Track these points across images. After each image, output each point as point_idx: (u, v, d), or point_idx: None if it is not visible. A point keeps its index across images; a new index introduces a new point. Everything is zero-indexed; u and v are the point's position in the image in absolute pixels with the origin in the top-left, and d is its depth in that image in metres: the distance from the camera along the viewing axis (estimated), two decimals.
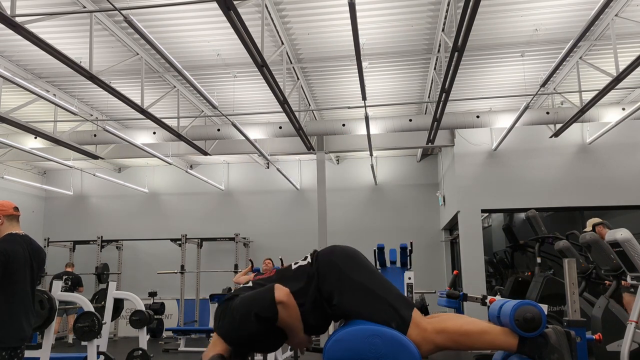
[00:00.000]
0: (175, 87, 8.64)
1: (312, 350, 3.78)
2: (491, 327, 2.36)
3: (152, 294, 11.03)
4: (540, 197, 9.83)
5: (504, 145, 10.04)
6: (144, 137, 9.60)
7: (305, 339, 2.40)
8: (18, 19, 5.13)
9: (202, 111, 9.67)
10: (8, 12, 5.00)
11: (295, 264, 2.50)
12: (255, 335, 2.29)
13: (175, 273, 12.42)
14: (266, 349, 2.53)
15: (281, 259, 8.64)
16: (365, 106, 7.95)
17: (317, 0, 6.28)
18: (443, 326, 2.28)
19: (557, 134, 9.25)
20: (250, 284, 2.46)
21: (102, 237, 13.03)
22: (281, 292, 2.26)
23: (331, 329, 11.12)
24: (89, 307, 5.64)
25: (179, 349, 9.26)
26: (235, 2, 4.91)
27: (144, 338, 6.92)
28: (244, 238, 13.13)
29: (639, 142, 9.98)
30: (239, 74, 8.34)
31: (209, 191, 13.71)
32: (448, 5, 6.37)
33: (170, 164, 11.09)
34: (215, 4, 4.91)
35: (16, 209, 3.57)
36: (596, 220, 6.55)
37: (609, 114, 8.66)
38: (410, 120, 9.06)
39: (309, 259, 2.47)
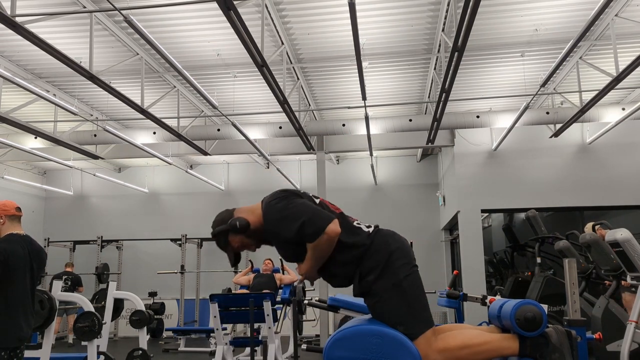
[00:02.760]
0: (175, 87, 8.64)
1: (312, 350, 3.77)
2: (492, 336, 2.36)
3: (152, 294, 11.02)
4: (540, 197, 9.83)
5: (504, 145, 10.04)
6: (144, 137, 9.60)
7: (314, 274, 2.46)
8: (18, 19, 5.12)
9: (202, 111, 9.66)
10: (8, 12, 5.00)
11: (359, 223, 2.51)
12: (287, 236, 2.36)
13: (175, 273, 12.41)
14: (283, 254, 2.56)
15: (281, 260, 8.64)
16: (365, 106, 7.95)
17: (317, 0, 6.28)
18: (445, 344, 2.30)
19: (557, 134, 9.25)
20: (318, 200, 2.51)
21: (102, 237, 13.02)
22: (334, 227, 2.31)
23: (331, 329, 11.13)
24: (89, 307, 5.63)
25: (179, 349, 9.24)
26: (235, 2, 4.90)
27: (144, 338, 6.91)
28: None
29: (639, 142, 9.98)
30: (239, 74, 8.34)
31: (209, 191, 13.71)
32: (448, 5, 6.37)
33: (170, 164, 11.09)
34: (215, 4, 4.91)
35: (18, 209, 3.57)
36: (592, 223, 6.55)
37: (609, 114, 8.66)
38: (410, 120, 9.05)
39: (371, 229, 2.48)
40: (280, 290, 7.68)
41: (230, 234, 2.48)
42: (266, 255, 8.62)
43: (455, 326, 2.51)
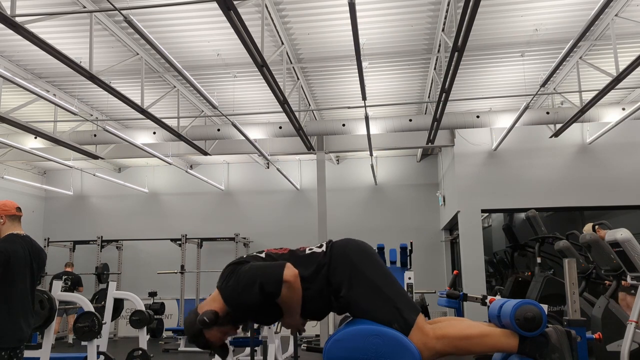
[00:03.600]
0: (175, 87, 8.64)
1: (312, 350, 3.78)
2: (491, 330, 2.36)
3: (152, 294, 11.03)
4: (540, 197, 9.83)
5: (504, 145, 10.04)
6: (144, 137, 9.60)
7: (299, 322, 2.43)
8: (18, 19, 5.13)
9: (202, 111, 9.67)
10: (8, 12, 5.00)
11: (310, 249, 2.50)
12: (254, 305, 2.32)
13: (175, 273, 12.41)
14: (261, 321, 2.56)
15: None
16: (365, 106, 7.95)
17: (317, 0, 6.29)
18: (444, 332, 2.29)
19: (557, 134, 9.25)
20: (263, 254, 2.48)
21: (102, 237, 13.02)
22: (290, 272, 2.28)
23: (331, 329, 11.13)
24: (89, 307, 5.63)
25: (179, 349, 9.25)
26: (235, 2, 4.90)
27: (144, 338, 6.91)
28: (244, 238, 13.13)
29: (639, 142, 9.98)
30: (239, 74, 8.34)
31: (209, 191, 13.71)
32: (448, 5, 6.37)
33: (170, 164, 11.09)
34: (215, 4, 4.91)
35: (19, 209, 3.57)
36: (592, 223, 6.54)
37: (609, 114, 8.66)
38: (410, 120, 9.05)
39: (323, 248, 2.47)
40: None
41: (205, 331, 2.41)
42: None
43: (453, 318, 2.51)
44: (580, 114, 8.07)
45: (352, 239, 2.49)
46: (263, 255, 2.48)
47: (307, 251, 2.48)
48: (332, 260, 2.38)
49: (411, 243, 7.11)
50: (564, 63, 7.27)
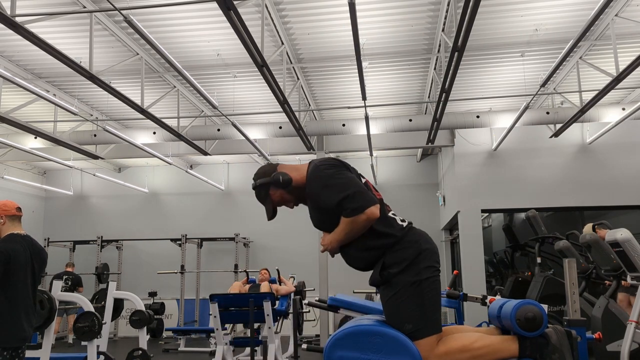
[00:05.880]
0: (175, 87, 8.64)
1: (312, 350, 3.77)
2: (491, 339, 2.36)
3: (152, 294, 11.03)
4: (540, 197, 9.83)
5: (504, 145, 10.04)
6: (144, 137, 9.60)
7: (337, 248, 2.47)
8: (18, 19, 5.12)
9: (202, 111, 9.67)
10: (8, 12, 5.00)
11: (393, 214, 2.53)
12: (325, 202, 2.38)
13: (175, 273, 12.41)
14: (316, 216, 2.58)
15: (277, 270, 8.63)
16: (365, 106, 7.95)
17: (317, 0, 6.29)
18: (447, 348, 2.30)
19: (557, 134, 9.25)
20: (364, 181, 2.53)
21: (102, 237, 13.02)
22: (374, 210, 2.33)
23: (331, 329, 11.12)
24: (89, 307, 5.63)
25: (179, 349, 9.25)
26: (235, 2, 4.90)
27: (144, 338, 6.91)
28: (244, 238, 13.13)
29: (639, 142, 9.98)
30: (239, 74, 8.34)
31: (209, 191, 13.71)
32: (448, 5, 6.37)
33: (170, 164, 11.09)
34: (215, 4, 4.91)
35: (19, 209, 3.58)
36: (592, 223, 6.55)
37: (609, 114, 8.66)
38: (410, 120, 9.05)
39: (404, 224, 2.50)
40: (277, 302, 7.65)
41: (272, 187, 2.49)
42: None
43: (455, 329, 2.51)
44: (580, 114, 8.06)
45: (429, 236, 2.53)
46: (364, 181, 2.52)
47: (391, 214, 2.52)
48: (403, 239, 2.41)
49: None
50: (564, 63, 7.27)
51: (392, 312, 2.32)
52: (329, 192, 2.35)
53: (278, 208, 2.64)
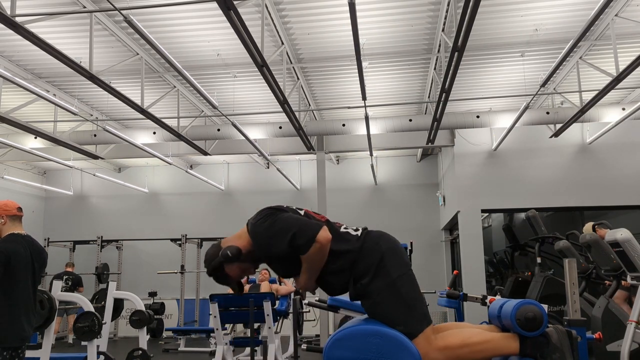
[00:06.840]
0: (175, 87, 8.64)
1: (312, 350, 3.77)
2: (492, 335, 2.37)
3: (152, 294, 11.02)
4: (540, 197, 9.83)
5: (504, 145, 10.04)
6: (144, 137, 9.60)
7: (312, 286, 2.46)
8: (18, 19, 5.12)
9: (202, 111, 9.67)
10: (8, 12, 5.00)
11: (345, 228, 2.52)
12: (280, 252, 2.36)
13: (175, 273, 12.41)
14: (276, 269, 2.56)
15: None
16: (365, 106, 7.95)
17: (317, 0, 6.29)
18: (446, 343, 2.30)
19: (557, 134, 9.25)
20: (302, 212, 2.51)
21: (102, 237, 13.02)
22: (325, 234, 2.32)
23: (331, 329, 11.10)
24: (89, 307, 5.63)
25: (179, 349, 9.25)
26: (235, 2, 4.90)
27: (144, 338, 6.91)
28: None
29: (639, 142, 9.98)
30: (239, 74, 8.34)
31: (209, 191, 13.71)
32: (448, 5, 6.37)
33: (170, 164, 11.09)
34: (215, 4, 4.91)
35: (19, 209, 3.58)
36: (592, 223, 6.55)
37: (609, 114, 8.66)
38: (410, 120, 9.05)
39: (358, 233, 2.48)
40: (277, 302, 7.65)
41: (226, 265, 2.47)
42: (264, 266, 8.53)
43: (455, 324, 2.52)
44: (580, 114, 8.07)
45: (387, 234, 2.52)
46: (302, 212, 2.50)
47: (343, 229, 2.50)
48: (363, 248, 2.40)
49: (411, 243, 7.10)
50: (564, 63, 7.27)
51: (380, 319, 2.33)
52: (275, 241, 2.35)
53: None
